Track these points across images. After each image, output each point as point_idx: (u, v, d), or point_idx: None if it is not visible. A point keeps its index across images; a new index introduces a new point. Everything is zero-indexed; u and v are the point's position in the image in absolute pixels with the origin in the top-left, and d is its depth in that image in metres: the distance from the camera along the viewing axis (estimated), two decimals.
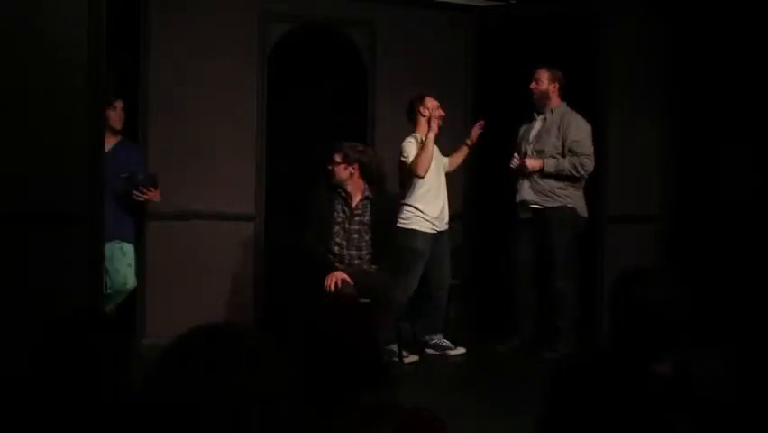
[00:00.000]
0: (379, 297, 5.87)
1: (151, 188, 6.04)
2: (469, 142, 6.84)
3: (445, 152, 6.80)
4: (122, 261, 6.01)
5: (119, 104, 6.17)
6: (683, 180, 7.21)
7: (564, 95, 6.73)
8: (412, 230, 6.48)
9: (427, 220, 6.54)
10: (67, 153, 5.73)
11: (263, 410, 1.42)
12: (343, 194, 6.18)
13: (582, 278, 7.11)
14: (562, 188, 6.60)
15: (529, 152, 6.63)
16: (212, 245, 6.28)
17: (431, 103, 6.61)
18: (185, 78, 6.58)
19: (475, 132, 6.81)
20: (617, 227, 7.19)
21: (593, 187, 7.21)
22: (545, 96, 6.67)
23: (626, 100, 7.19)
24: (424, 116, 6.56)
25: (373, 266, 6.20)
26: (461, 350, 6.67)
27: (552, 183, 6.59)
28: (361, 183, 6.21)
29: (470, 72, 7.50)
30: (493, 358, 6.64)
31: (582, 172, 6.57)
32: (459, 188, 7.21)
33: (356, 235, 6.18)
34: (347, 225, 6.17)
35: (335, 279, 5.92)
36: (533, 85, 6.68)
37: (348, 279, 5.94)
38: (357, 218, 6.18)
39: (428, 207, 6.55)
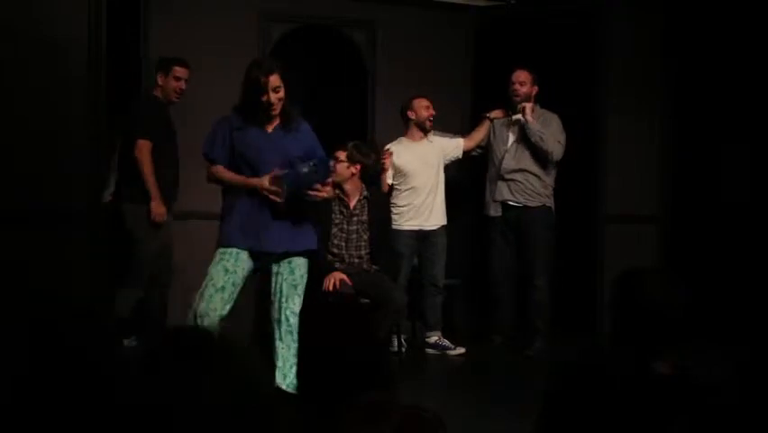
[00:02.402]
0: (378, 297, 5.87)
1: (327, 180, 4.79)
2: (491, 116, 6.86)
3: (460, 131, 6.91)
4: (287, 281, 4.81)
5: (274, 79, 4.71)
6: (683, 180, 7.22)
7: (559, 95, 6.79)
8: (394, 230, 6.50)
9: (409, 219, 6.55)
10: (67, 153, 5.74)
11: (232, 412, 1.43)
12: (341, 194, 6.18)
13: (582, 278, 7.12)
14: (545, 188, 6.65)
15: (514, 150, 6.66)
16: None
17: (418, 103, 6.65)
18: None
19: (497, 113, 6.87)
20: (617, 227, 7.19)
21: (593, 187, 7.22)
22: (528, 98, 6.69)
23: (625, 100, 7.19)
24: (411, 120, 6.64)
25: (373, 266, 6.20)
26: (461, 350, 6.67)
27: (536, 183, 6.63)
28: (359, 183, 6.22)
29: (470, 72, 7.50)
30: (493, 358, 6.64)
31: (547, 148, 6.55)
32: (459, 186, 7.20)
33: (355, 235, 6.18)
34: (345, 226, 6.17)
35: (334, 279, 5.93)
36: (516, 87, 6.69)
37: (346, 279, 5.94)
38: (355, 218, 6.19)
39: (411, 206, 6.57)
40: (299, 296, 4.81)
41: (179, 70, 6.08)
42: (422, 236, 6.63)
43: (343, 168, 6.12)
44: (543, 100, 6.79)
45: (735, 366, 2.27)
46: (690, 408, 2.14)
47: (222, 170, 4.83)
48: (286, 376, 4.75)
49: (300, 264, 4.83)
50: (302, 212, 4.84)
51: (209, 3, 6.75)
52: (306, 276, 4.87)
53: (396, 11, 7.25)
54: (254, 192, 4.75)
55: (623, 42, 7.19)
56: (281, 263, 4.80)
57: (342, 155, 6.12)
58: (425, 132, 6.67)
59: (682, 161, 7.21)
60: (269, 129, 4.84)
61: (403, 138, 6.68)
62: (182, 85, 6.09)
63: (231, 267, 4.79)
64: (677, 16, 7.14)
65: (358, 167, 6.17)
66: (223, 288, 4.74)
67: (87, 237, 5.75)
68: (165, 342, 1.52)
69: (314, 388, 2.10)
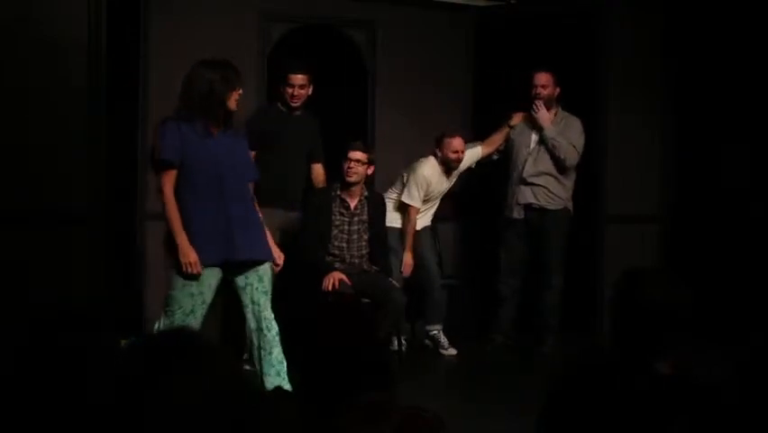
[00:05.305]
0: (378, 297, 5.87)
1: None
2: (512, 123, 6.85)
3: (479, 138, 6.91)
4: (259, 289, 4.74)
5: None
6: (683, 180, 7.22)
7: (562, 95, 6.77)
8: (386, 226, 6.50)
9: (398, 218, 6.55)
10: (67, 153, 5.74)
11: (208, 409, 1.44)
12: (341, 195, 6.16)
13: (582, 278, 7.12)
14: (565, 190, 6.68)
15: (536, 154, 6.66)
16: None
17: (447, 144, 6.55)
18: None
19: (516, 119, 6.85)
20: (617, 227, 7.19)
21: (593, 187, 7.21)
22: (551, 100, 6.68)
23: (626, 99, 7.19)
24: (439, 155, 6.56)
25: (373, 267, 6.20)
26: (452, 351, 6.66)
27: (556, 186, 6.65)
28: (361, 184, 6.21)
29: (470, 72, 7.50)
30: (493, 358, 6.64)
31: (560, 155, 6.58)
32: (462, 188, 7.20)
33: (356, 236, 6.17)
34: (347, 227, 6.16)
35: (333, 279, 5.92)
36: (539, 90, 6.66)
37: (346, 279, 5.94)
38: (356, 218, 6.18)
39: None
40: (269, 301, 4.72)
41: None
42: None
43: (365, 169, 6.10)
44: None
45: (735, 366, 2.27)
46: (690, 408, 2.14)
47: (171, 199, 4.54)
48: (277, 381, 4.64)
49: (267, 271, 4.72)
50: (258, 219, 4.75)
51: (209, 3, 6.74)
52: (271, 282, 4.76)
53: (396, 11, 7.24)
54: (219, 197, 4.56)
55: (623, 42, 7.19)
56: (249, 274, 4.66)
57: (362, 156, 6.07)
58: (450, 170, 6.63)
59: (683, 161, 7.21)
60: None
61: (435, 162, 6.59)
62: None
63: (196, 291, 4.55)
64: (677, 16, 7.14)
65: (372, 168, 6.19)
66: (193, 311, 4.56)
67: (87, 237, 5.75)
68: (155, 342, 1.53)
69: (314, 388, 2.10)
